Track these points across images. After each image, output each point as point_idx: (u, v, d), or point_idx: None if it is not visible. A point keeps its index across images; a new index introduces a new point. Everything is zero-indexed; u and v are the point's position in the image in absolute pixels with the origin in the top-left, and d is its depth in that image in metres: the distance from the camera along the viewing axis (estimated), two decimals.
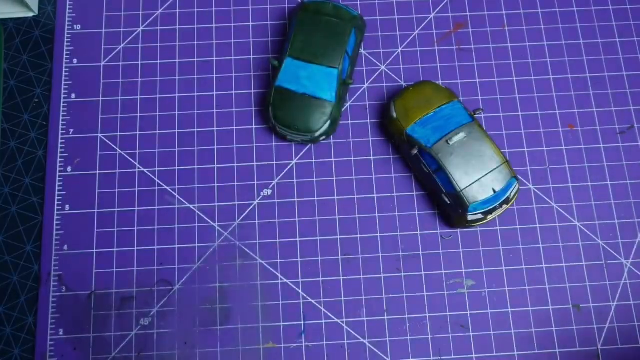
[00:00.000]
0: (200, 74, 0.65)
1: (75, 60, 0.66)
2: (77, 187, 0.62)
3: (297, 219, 0.61)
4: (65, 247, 0.60)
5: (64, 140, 0.63)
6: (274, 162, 0.63)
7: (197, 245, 0.61)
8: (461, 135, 0.58)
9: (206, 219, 0.61)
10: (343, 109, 0.64)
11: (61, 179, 0.62)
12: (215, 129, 0.64)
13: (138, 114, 0.64)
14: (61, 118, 0.64)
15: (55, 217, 0.61)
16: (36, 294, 0.59)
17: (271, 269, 0.60)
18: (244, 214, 0.61)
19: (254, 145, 0.63)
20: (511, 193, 0.58)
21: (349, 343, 0.58)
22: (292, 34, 0.61)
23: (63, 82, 0.65)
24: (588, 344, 0.58)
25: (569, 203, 0.62)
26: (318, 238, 0.61)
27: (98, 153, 0.63)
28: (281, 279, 0.60)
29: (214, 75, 0.65)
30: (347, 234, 0.61)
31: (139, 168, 0.63)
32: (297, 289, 0.60)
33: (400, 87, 0.65)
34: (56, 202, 0.61)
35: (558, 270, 0.60)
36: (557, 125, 0.64)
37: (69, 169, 0.62)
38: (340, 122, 0.64)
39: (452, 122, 0.58)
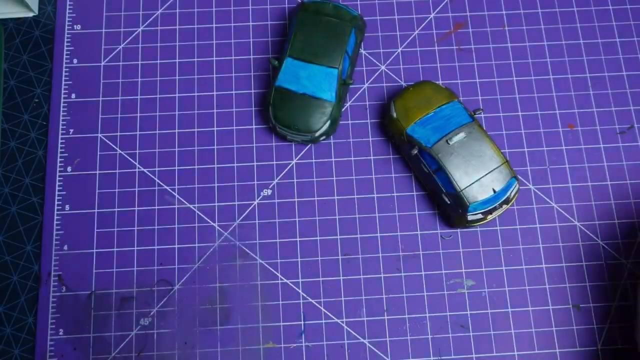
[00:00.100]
0: (200, 74, 0.65)
1: (75, 60, 0.66)
2: (77, 187, 0.62)
3: (297, 219, 0.61)
4: (65, 247, 0.60)
5: (64, 140, 0.63)
6: (274, 162, 0.63)
7: (197, 245, 0.61)
8: (461, 135, 0.58)
9: (206, 219, 0.61)
10: (343, 109, 0.64)
11: (61, 179, 0.62)
12: (215, 129, 0.64)
13: (138, 114, 0.64)
14: (61, 118, 0.64)
15: (55, 217, 0.61)
16: (36, 294, 0.59)
17: (271, 269, 0.60)
18: (244, 214, 0.61)
19: (254, 145, 0.63)
20: (511, 193, 0.58)
21: (349, 343, 0.58)
22: (292, 34, 0.61)
23: (63, 82, 0.65)
24: (588, 344, 0.58)
25: (569, 203, 0.62)
26: (318, 238, 0.61)
27: (98, 153, 0.63)
28: (281, 279, 0.60)
29: (214, 75, 0.65)
30: (347, 234, 0.61)
31: (139, 168, 0.63)
32: (297, 289, 0.60)
33: (400, 87, 0.65)
34: (56, 202, 0.61)
35: (558, 270, 0.60)
36: (557, 125, 0.64)
37: (69, 169, 0.62)
38: (340, 122, 0.64)
39: (452, 122, 0.58)
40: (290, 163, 0.63)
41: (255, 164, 0.63)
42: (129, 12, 0.67)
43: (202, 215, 0.61)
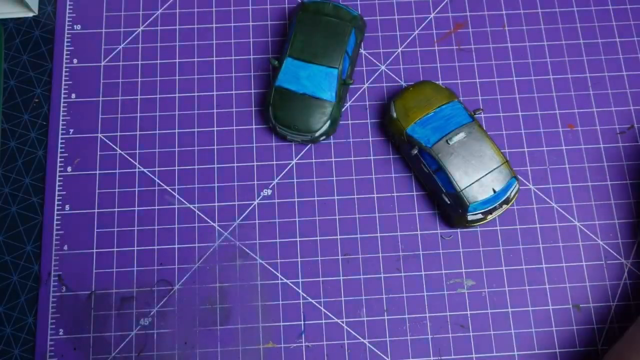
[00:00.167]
0: (200, 74, 0.65)
1: (75, 60, 0.66)
2: (77, 187, 0.62)
3: (297, 219, 0.61)
4: (65, 247, 0.60)
5: (64, 140, 0.63)
6: (274, 162, 0.63)
7: (197, 245, 0.61)
8: (461, 135, 0.58)
9: (206, 219, 0.61)
10: (343, 109, 0.64)
11: (61, 179, 0.62)
12: (215, 129, 0.64)
13: (138, 114, 0.64)
14: (61, 118, 0.64)
15: (55, 217, 0.61)
16: (36, 294, 0.59)
17: (271, 269, 0.60)
18: (244, 214, 0.61)
19: (254, 145, 0.63)
20: (511, 193, 0.58)
21: (349, 343, 0.58)
22: (292, 34, 0.61)
23: (63, 82, 0.65)
24: (588, 344, 0.58)
25: (569, 203, 0.62)
26: (318, 238, 0.61)
27: (98, 153, 0.63)
28: (281, 279, 0.60)
29: (214, 75, 0.65)
30: (347, 234, 0.61)
31: (139, 168, 0.63)
32: (297, 289, 0.60)
33: (400, 87, 0.65)
34: (56, 202, 0.61)
35: (558, 270, 0.60)
36: (557, 125, 0.64)
37: (69, 169, 0.62)
38: (340, 122, 0.64)
39: (452, 122, 0.58)
40: (290, 163, 0.63)
41: (255, 164, 0.63)
42: (129, 12, 0.67)
43: (202, 215, 0.61)
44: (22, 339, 0.59)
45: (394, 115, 0.60)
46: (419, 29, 0.67)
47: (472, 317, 0.59)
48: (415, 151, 0.58)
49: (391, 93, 0.65)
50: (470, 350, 0.58)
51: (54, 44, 0.66)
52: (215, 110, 0.64)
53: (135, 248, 0.60)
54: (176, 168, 0.63)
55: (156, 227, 0.61)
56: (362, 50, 0.66)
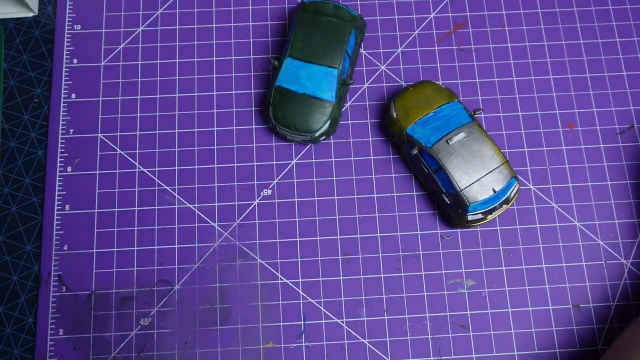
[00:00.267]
0: (200, 74, 0.65)
1: (75, 60, 0.66)
2: (77, 187, 0.62)
3: (297, 219, 0.61)
4: (65, 247, 0.60)
5: (64, 140, 0.63)
6: (274, 162, 0.63)
7: (197, 245, 0.61)
8: (461, 135, 0.58)
9: (206, 219, 0.61)
10: (343, 109, 0.64)
11: (61, 179, 0.62)
12: (215, 129, 0.64)
13: (138, 114, 0.64)
14: (61, 118, 0.64)
15: (55, 217, 0.61)
16: (36, 294, 0.59)
17: (271, 269, 0.60)
18: (244, 214, 0.61)
19: (254, 145, 0.63)
20: (511, 193, 0.58)
21: (349, 343, 0.58)
22: (292, 34, 0.61)
23: (63, 82, 0.65)
24: (588, 344, 0.58)
25: (569, 203, 0.62)
26: (318, 238, 0.61)
27: (98, 153, 0.63)
28: (281, 279, 0.60)
29: (214, 75, 0.65)
30: (347, 234, 0.61)
31: (139, 168, 0.63)
32: (297, 289, 0.60)
33: (400, 87, 0.65)
34: (56, 202, 0.61)
35: (558, 270, 0.60)
36: (557, 125, 0.64)
37: (69, 169, 0.62)
38: (340, 122, 0.64)
39: (452, 122, 0.58)
40: (290, 163, 0.63)
41: (255, 164, 0.63)
42: (129, 12, 0.67)
43: (202, 215, 0.61)
44: (22, 339, 0.59)
45: (394, 115, 0.60)
46: (419, 29, 0.67)
47: (472, 317, 0.59)
48: (415, 151, 0.58)
49: (391, 93, 0.65)
50: (470, 350, 0.58)
51: (54, 44, 0.66)
52: (215, 110, 0.64)
53: (135, 248, 0.60)
54: (176, 168, 0.63)
55: (156, 227, 0.61)
56: (362, 50, 0.66)
